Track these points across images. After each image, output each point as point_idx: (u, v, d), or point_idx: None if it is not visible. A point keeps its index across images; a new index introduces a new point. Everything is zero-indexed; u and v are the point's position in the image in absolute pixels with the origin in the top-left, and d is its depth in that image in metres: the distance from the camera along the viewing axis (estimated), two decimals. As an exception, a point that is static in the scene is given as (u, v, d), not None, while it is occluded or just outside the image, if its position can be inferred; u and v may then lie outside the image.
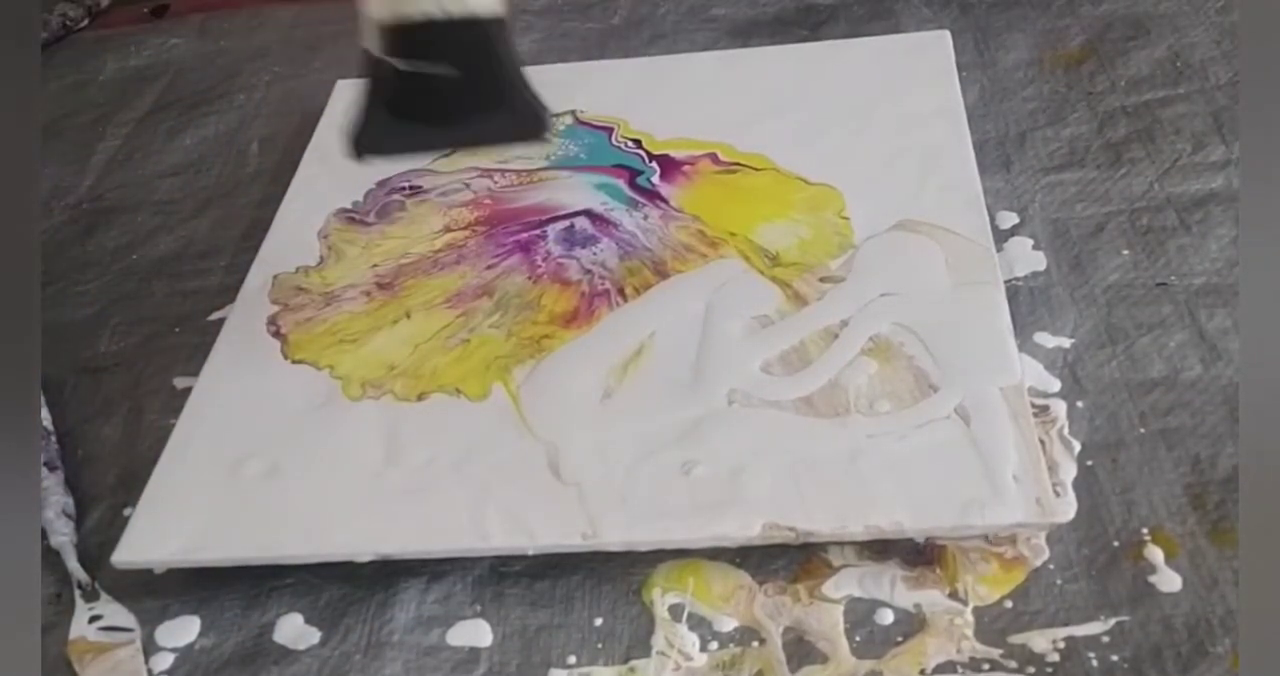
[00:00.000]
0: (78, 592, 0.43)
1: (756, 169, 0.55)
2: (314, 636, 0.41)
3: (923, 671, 0.37)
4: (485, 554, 0.41)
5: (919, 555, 0.40)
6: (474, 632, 0.40)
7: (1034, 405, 0.43)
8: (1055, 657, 0.36)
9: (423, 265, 0.53)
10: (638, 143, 0.58)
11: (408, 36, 0.41)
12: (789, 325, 0.46)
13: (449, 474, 0.43)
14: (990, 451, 0.40)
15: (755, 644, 0.38)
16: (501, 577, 0.42)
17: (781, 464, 0.41)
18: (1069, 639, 0.37)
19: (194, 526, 0.43)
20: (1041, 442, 0.41)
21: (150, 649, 0.41)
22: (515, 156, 0.58)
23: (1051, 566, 0.39)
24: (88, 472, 0.48)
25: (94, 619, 0.43)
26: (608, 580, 0.41)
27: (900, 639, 0.38)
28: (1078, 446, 0.42)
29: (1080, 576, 0.38)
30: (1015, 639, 0.37)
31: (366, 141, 0.44)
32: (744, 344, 0.46)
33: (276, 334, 0.51)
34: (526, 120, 0.45)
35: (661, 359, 0.46)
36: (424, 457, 0.44)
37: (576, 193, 0.56)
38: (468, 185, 0.57)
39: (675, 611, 0.40)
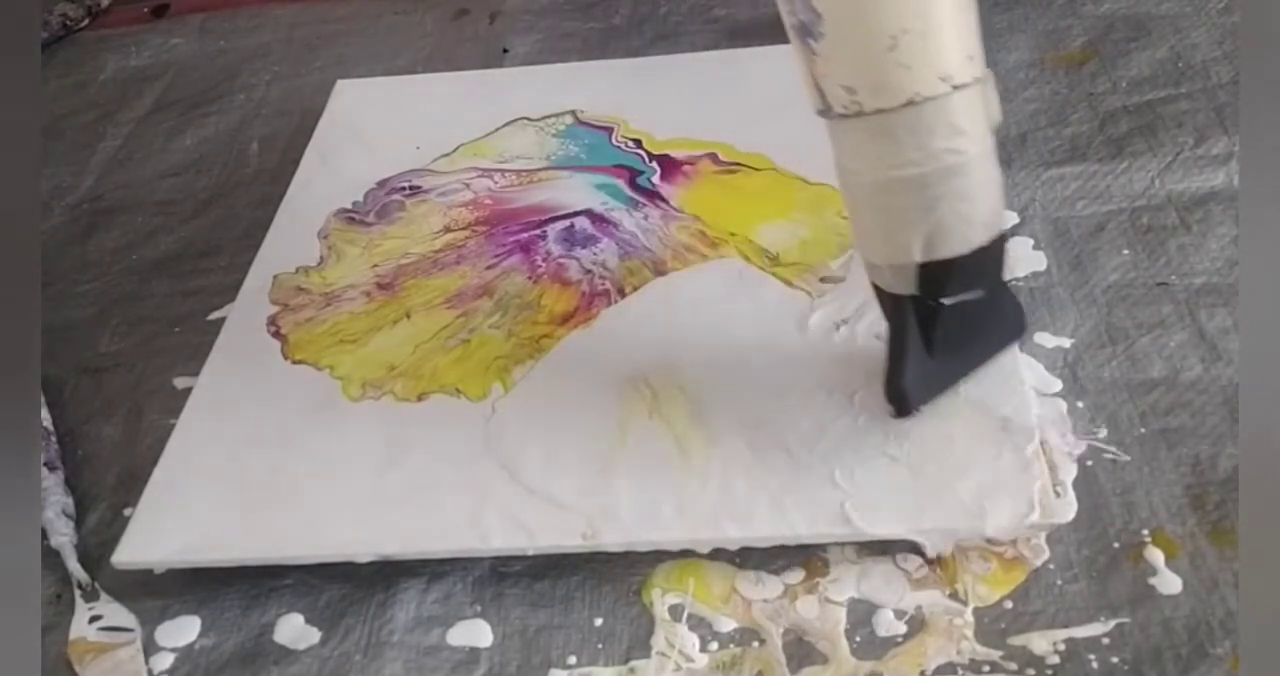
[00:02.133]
0: (78, 593, 0.43)
1: (756, 169, 0.55)
2: (314, 636, 0.41)
3: (923, 672, 0.37)
4: (485, 554, 0.41)
5: (919, 555, 0.40)
6: (474, 632, 0.40)
7: (1034, 406, 0.43)
8: (1055, 659, 0.36)
9: (423, 265, 0.53)
10: (638, 142, 0.58)
11: (948, 270, 0.38)
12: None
13: (449, 474, 0.43)
14: (991, 452, 0.40)
15: (755, 644, 0.38)
16: (501, 578, 0.42)
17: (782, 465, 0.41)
18: (1069, 640, 0.37)
19: (194, 526, 0.43)
20: (1042, 443, 0.41)
21: (150, 649, 0.41)
22: (516, 157, 0.58)
23: (1052, 567, 0.39)
24: (88, 472, 0.48)
25: (94, 619, 0.43)
26: (608, 580, 0.41)
27: (900, 639, 0.38)
28: (1078, 446, 0.42)
29: (1080, 577, 0.38)
30: (1015, 640, 0.37)
31: (918, 392, 0.40)
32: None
33: (276, 334, 0.51)
34: (1016, 321, 0.43)
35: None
36: (424, 457, 0.44)
37: (576, 193, 0.56)
38: (468, 185, 0.57)
39: (675, 612, 0.40)
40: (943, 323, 0.39)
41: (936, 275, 0.38)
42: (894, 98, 0.36)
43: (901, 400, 0.40)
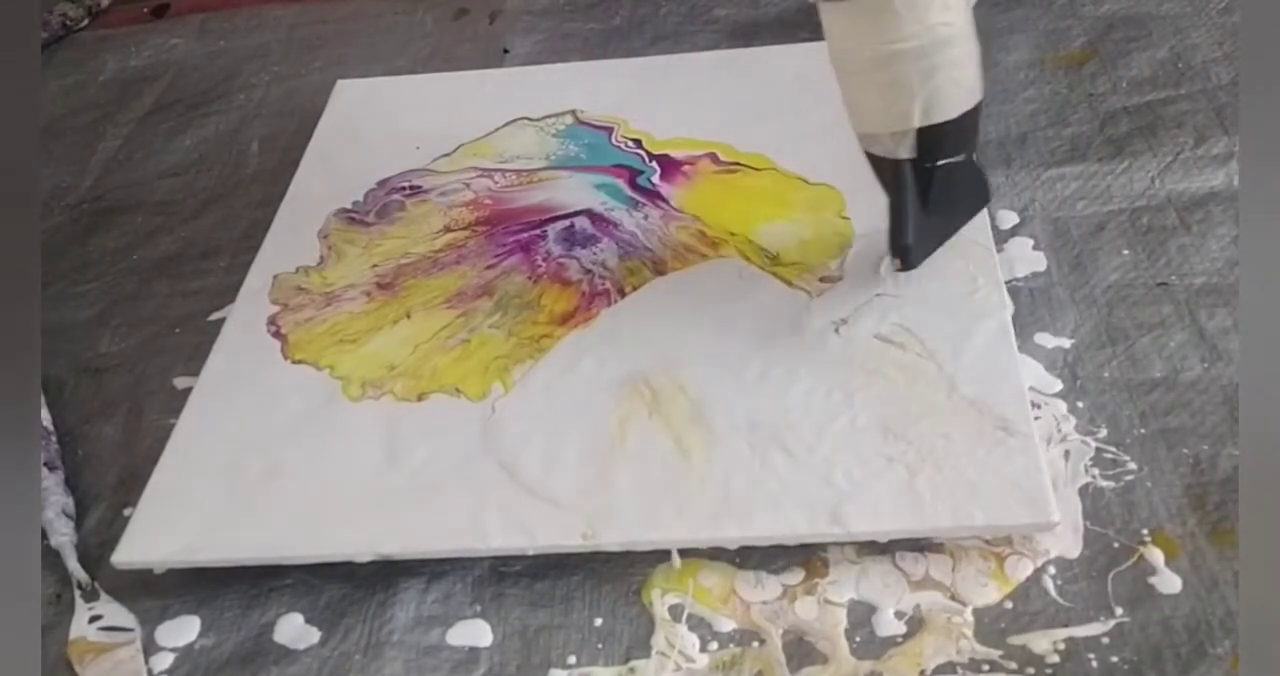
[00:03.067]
0: (78, 592, 0.43)
1: (756, 169, 0.55)
2: (314, 636, 0.41)
3: (922, 672, 0.37)
4: (485, 554, 0.41)
5: (919, 555, 0.40)
6: (474, 632, 0.40)
7: (1034, 405, 0.43)
8: (1055, 658, 0.36)
9: (423, 265, 0.53)
10: (638, 142, 0.58)
11: (942, 134, 0.43)
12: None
13: (449, 474, 0.43)
14: (990, 452, 0.40)
15: (755, 644, 0.38)
16: (501, 577, 0.42)
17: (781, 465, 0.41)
18: (1069, 640, 0.37)
19: (194, 526, 0.43)
20: (1041, 443, 0.41)
21: (150, 649, 0.41)
22: (516, 157, 0.58)
23: (1052, 567, 0.39)
24: (88, 472, 0.48)
25: (94, 619, 0.43)
26: (608, 580, 0.41)
27: (900, 639, 0.38)
28: (1078, 446, 0.42)
29: (1080, 577, 0.38)
30: (1015, 639, 0.37)
31: (919, 248, 0.45)
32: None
33: (276, 334, 0.51)
34: (982, 188, 0.47)
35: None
36: (424, 457, 0.44)
37: (576, 193, 0.56)
38: (468, 185, 0.57)
39: (675, 612, 0.40)
40: (936, 183, 0.44)
41: (932, 139, 0.43)
42: None
43: (907, 253, 0.45)
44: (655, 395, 0.45)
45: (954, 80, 0.42)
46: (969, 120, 0.43)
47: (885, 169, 0.45)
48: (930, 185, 0.44)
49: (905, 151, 0.44)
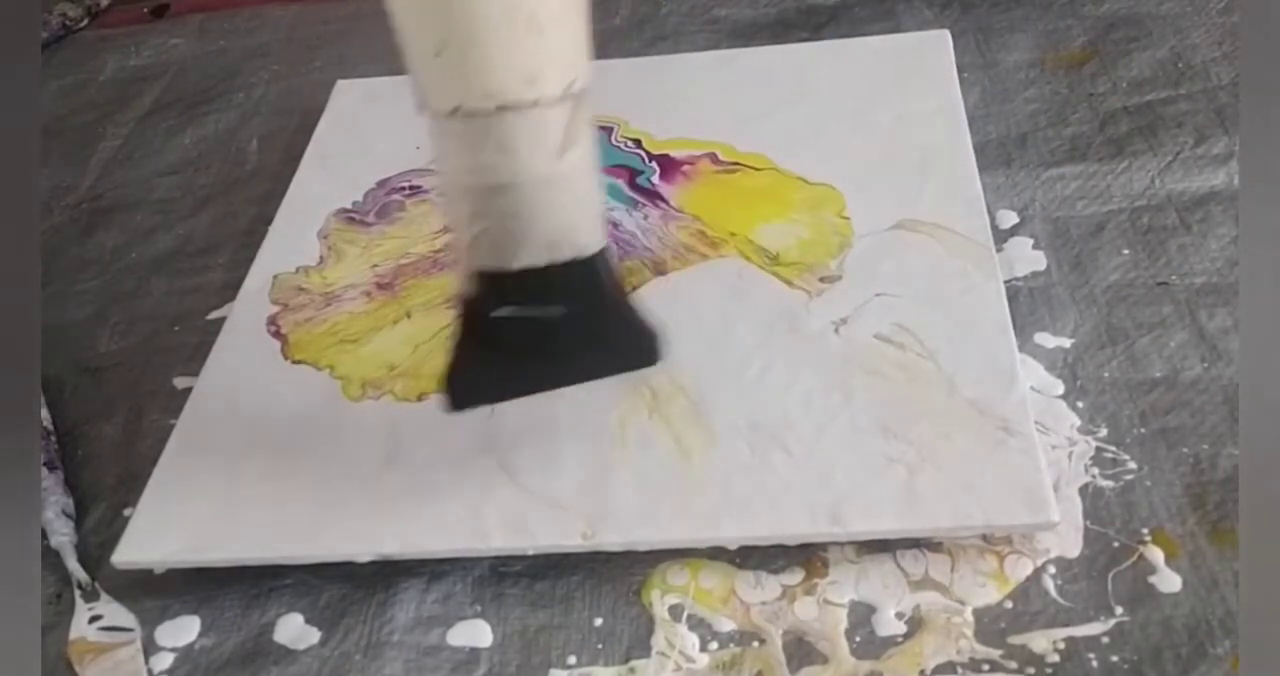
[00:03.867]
0: (78, 592, 0.43)
1: (756, 169, 0.55)
2: (314, 636, 0.41)
3: (922, 672, 0.37)
4: (485, 554, 0.41)
5: (919, 555, 0.40)
6: (474, 632, 0.40)
7: (1033, 405, 0.43)
8: (1055, 658, 0.36)
9: (423, 265, 0.53)
10: (637, 142, 0.58)
11: (508, 282, 0.37)
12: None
13: (449, 474, 0.43)
14: (990, 452, 0.40)
15: (755, 644, 0.38)
16: (501, 578, 0.42)
17: (782, 464, 0.41)
18: (1069, 639, 0.37)
19: (194, 526, 0.43)
20: (1041, 443, 0.41)
21: (150, 649, 0.41)
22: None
23: (1051, 567, 0.39)
24: (88, 472, 0.48)
25: (94, 619, 0.43)
26: (608, 580, 0.41)
27: (900, 639, 0.38)
28: (1078, 446, 0.42)
29: (1080, 577, 0.38)
30: (1015, 639, 0.37)
31: (467, 392, 0.40)
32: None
33: (276, 334, 0.51)
34: (637, 348, 0.41)
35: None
36: (424, 457, 0.44)
37: (576, 193, 0.55)
38: (468, 185, 0.57)
39: (675, 612, 0.40)
40: (501, 332, 0.38)
41: (486, 285, 0.38)
42: (441, 103, 0.36)
43: (450, 396, 0.40)
44: (655, 395, 0.45)
45: (507, 232, 0.36)
46: (548, 277, 0.37)
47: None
48: (493, 333, 0.38)
49: (466, 288, 0.39)
